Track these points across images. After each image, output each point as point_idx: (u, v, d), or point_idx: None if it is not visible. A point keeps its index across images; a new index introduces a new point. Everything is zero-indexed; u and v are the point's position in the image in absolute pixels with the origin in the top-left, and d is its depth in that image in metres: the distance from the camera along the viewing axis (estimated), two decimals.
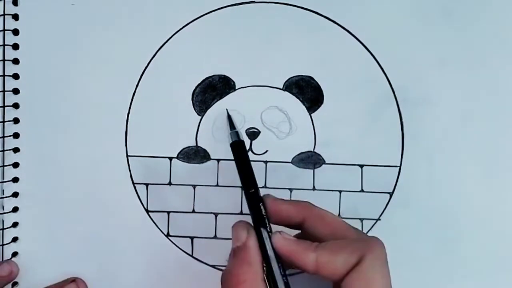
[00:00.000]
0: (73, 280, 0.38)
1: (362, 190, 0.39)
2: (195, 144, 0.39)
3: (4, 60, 0.39)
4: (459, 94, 0.39)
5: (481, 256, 0.38)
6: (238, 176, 0.34)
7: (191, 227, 0.39)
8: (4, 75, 0.39)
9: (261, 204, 0.32)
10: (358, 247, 0.29)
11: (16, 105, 0.39)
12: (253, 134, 0.39)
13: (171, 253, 0.39)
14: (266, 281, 0.29)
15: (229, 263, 0.30)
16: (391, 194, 0.39)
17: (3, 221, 0.39)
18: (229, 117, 0.38)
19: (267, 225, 0.31)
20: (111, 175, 0.39)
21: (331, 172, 0.39)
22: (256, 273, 0.29)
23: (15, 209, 0.39)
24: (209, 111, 0.39)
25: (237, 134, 0.36)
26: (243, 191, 0.33)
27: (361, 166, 0.39)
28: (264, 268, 0.30)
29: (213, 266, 0.39)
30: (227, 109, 0.38)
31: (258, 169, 0.38)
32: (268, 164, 0.39)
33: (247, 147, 0.39)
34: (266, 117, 0.39)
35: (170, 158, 0.39)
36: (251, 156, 0.38)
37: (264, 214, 0.31)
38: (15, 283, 0.39)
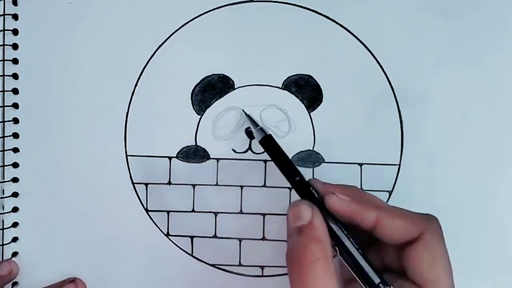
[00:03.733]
0: (72, 280, 0.38)
1: (361, 189, 0.38)
2: (194, 144, 0.39)
3: (3, 60, 0.39)
4: (458, 93, 0.39)
5: (480, 256, 0.38)
6: (278, 169, 0.33)
7: (190, 227, 0.39)
8: (3, 75, 0.39)
9: (311, 188, 0.32)
10: (418, 220, 0.30)
11: (15, 105, 0.39)
12: (252, 133, 0.39)
13: (171, 253, 0.39)
14: (341, 257, 0.30)
15: (294, 242, 0.29)
16: (390, 192, 0.39)
17: (3, 221, 0.39)
18: (249, 117, 0.38)
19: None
20: (111, 175, 0.39)
21: (330, 171, 0.38)
22: (327, 249, 0.29)
23: (15, 209, 0.39)
24: (208, 111, 0.39)
25: (262, 130, 0.36)
26: (289, 182, 0.33)
27: (361, 164, 0.38)
28: (336, 248, 0.30)
29: (213, 266, 0.39)
30: (243, 110, 0.38)
31: (257, 169, 0.39)
32: (268, 163, 0.39)
33: (247, 146, 0.39)
34: (266, 116, 0.39)
35: (170, 158, 0.39)
36: (250, 155, 0.39)
37: (318, 197, 0.31)
38: (15, 283, 0.39)
